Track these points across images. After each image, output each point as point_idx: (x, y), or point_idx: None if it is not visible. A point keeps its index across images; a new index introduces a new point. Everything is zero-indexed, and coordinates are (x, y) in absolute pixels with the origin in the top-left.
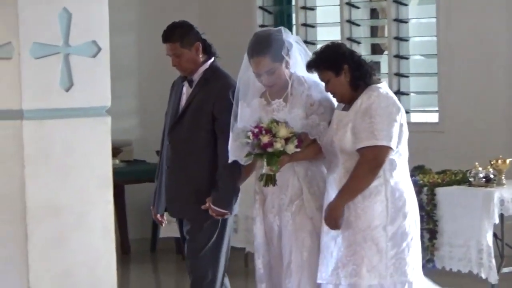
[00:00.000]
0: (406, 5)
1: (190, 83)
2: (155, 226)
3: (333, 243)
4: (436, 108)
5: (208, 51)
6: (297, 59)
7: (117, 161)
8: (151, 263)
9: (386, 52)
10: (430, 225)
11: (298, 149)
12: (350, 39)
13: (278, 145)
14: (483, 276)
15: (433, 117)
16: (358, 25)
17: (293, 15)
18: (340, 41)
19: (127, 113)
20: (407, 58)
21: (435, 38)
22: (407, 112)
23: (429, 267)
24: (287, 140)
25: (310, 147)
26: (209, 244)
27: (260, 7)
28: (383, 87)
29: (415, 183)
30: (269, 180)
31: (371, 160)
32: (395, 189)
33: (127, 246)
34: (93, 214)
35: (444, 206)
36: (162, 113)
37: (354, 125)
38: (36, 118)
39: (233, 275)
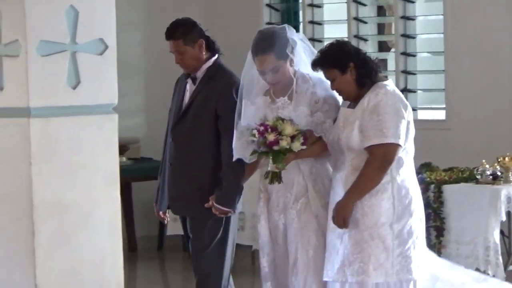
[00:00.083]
0: (413, 2)
1: (194, 80)
2: (162, 223)
3: (339, 240)
4: (443, 106)
5: (211, 48)
6: (302, 56)
7: (124, 159)
8: (158, 261)
9: (393, 50)
10: (437, 222)
11: (304, 147)
12: (357, 36)
13: (284, 143)
14: (490, 273)
15: (440, 115)
16: (365, 22)
17: (300, 13)
18: (346, 39)
19: (134, 111)
20: (414, 56)
21: (442, 36)
22: (414, 110)
23: None
24: (293, 137)
25: (316, 145)
26: (213, 243)
27: (267, 5)
28: (390, 84)
29: (422, 181)
30: (275, 177)
31: (381, 158)
32: (401, 187)
33: (134, 243)
34: (100, 211)
35: (451, 203)
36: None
37: (362, 123)
38: (43, 116)
39: (240, 273)
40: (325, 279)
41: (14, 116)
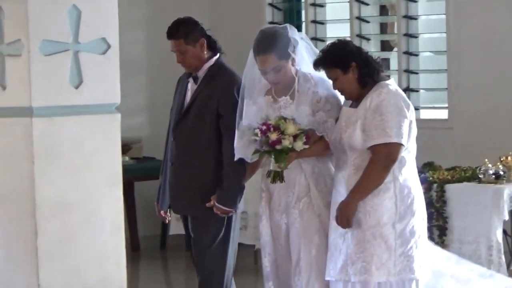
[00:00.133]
0: (415, 1)
1: (195, 79)
2: (165, 223)
3: (341, 240)
4: (446, 105)
5: (213, 47)
6: (303, 56)
7: (126, 158)
8: (161, 260)
9: (395, 49)
10: (440, 221)
11: (306, 146)
12: (359, 35)
13: (287, 142)
14: None
15: (443, 114)
16: (367, 21)
17: (303, 12)
18: (349, 38)
19: (136, 110)
20: (416, 55)
21: (444, 35)
22: (416, 109)
23: None
24: (295, 137)
25: (318, 144)
26: (215, 242)
27: (270, 4)
28: (392, 83)
29: (424, 180)
30: (277, 176)
31: (384, 158)
32: (403, 186)
33: (136, 243)
34: (103, 211)
35: (453, 202)
36: None
37: (364, 123)
38: (45, 115)
39: (243, 272)
40: (327, 278)
41: (16, 115)
